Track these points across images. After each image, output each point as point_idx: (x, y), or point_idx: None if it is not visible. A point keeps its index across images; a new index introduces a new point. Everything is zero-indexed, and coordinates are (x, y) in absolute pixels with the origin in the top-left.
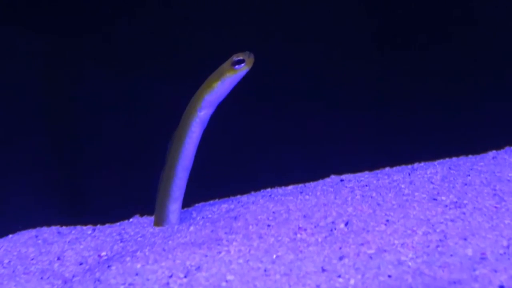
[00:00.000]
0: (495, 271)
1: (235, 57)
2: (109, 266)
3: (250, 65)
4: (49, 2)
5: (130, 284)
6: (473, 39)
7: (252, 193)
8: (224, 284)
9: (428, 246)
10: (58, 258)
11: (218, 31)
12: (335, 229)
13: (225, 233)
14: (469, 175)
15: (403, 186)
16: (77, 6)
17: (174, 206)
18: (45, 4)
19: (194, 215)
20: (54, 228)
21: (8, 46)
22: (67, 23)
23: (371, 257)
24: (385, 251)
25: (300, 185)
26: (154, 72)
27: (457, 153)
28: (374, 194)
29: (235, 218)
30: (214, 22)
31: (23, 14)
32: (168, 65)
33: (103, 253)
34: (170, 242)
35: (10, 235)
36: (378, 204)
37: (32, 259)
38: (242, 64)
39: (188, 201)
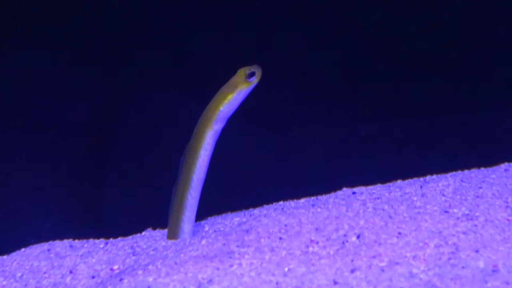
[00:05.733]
0: (507, 283)
1: (248, 70)
2: (121, 280)
3: (260, 78)
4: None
5: None
6: (484, 51)
7: (264, 206)
8: None
9: (440, 259)
10: (71, 272)
11: (224, 46)
12: (347, 241)
13: (237, 246)
14: (481, 188)
15: (415, 198)
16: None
17: (189, 218)
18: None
19: (207, 228)
20: (66, 242)
21: (39, 60)
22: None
23: (383, 270)
24: (397, 263)
25: (312, 198)
26: (168, 88)
27: (469, 166)
28: (386, 207)
29: (247, 231)
30: (223, 37)
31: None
32: (182, 82)
33: (115, 267)
34: (182, 255)
35: (23, 249)
36: (390, 217)
37: (45, 272)
38: (254, 77)
39: (201, 214)
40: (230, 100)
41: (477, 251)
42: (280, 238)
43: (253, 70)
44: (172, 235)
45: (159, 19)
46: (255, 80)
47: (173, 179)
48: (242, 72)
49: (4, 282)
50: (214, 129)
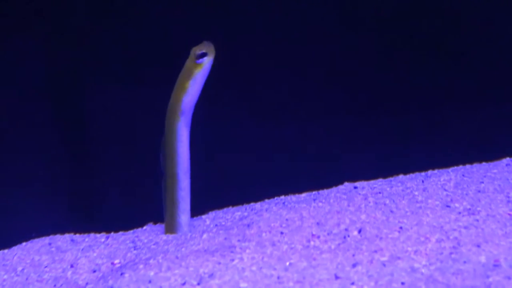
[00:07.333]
0: (509, 278)
1: (197, 51)
2: (122, 274)
3: (213, 54)
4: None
5: None
6: (486, 46)
7: (266, 200)
8: None
9: (441, 253)
10: (72, 266)
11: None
12: (349, 236)
13: (238, 240)
14: (482, 182)
15: (416, 193)
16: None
17: (183, 211)
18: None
19: (208, 222)
20: (67, 236)
21: (18, 56)
22: (72, 31)
23: (384, 264)
24: (398, 258)
25: (314, 192)
26: (165, 80)
27: (470, 160)
28: (387, 201)
29: (249, 225)
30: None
31: (29, 22)
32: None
33: (117, 261)
34: (183, 249)
35: (24, 243)
36: (392, 211)
37: (46, 266)
38: (205, 57)
39: (202, 208)
40: (188, 88)
41: (478, 246)
42: (282, 233)
43: (203, 51)
44: (170, 229)
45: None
46: (208, 59)
47: (158, 175)
48: (192, 54)
49: (5, 276)
50: (183, 119)
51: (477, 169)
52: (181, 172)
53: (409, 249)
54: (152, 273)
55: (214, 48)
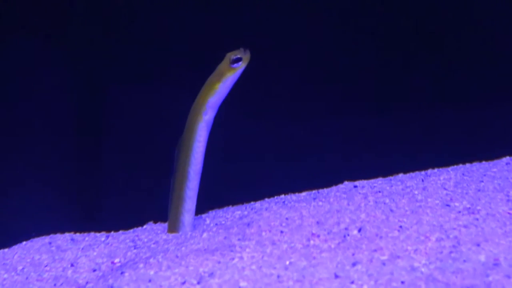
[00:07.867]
0: (508, 277)
1: (233, 56)
2: (122, 273)
3: (247, 62)
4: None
5: None
6: (486, 46)
7: (266, 199)
8: None
9: (441, 252)
10: (72, 265)
11: (219, 35)
12: (348, 235)
13: (238, 239)
14: (482, 181)
15: (416, 192)
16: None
17: (188, 210)
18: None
19: (208, 221)
20: (67, 235)
21: (31, 56)
22: (82, 32)
23: (384, 263)
24: (398, 257)
25: (314, 191)
26: (167, 79)
27: (470, 159)
28: (387, 200)
29: (248, 224)
30: (215, 27)
31: (42, 24)
32: (178, 72)
33: (117, 260)
34: (183, 248)
35: (24, 242)
36: (391, 210)
37: (46, 266)
38: (240, 62)
39: (202, 207)
40: (217, 90)
41: (478, 245)
42: (281, 232)
43: (238, 56)
44: (173, 227)
45: (148, 10)
46: (241, 65)
47: (169, 172)
48: (228, 58)
49: (5, 275)
50: (205, 120)
51: (477, 168)
52: (192, 172)
53: (409, 248)
54: (152, 272)
55: (250, 56)
